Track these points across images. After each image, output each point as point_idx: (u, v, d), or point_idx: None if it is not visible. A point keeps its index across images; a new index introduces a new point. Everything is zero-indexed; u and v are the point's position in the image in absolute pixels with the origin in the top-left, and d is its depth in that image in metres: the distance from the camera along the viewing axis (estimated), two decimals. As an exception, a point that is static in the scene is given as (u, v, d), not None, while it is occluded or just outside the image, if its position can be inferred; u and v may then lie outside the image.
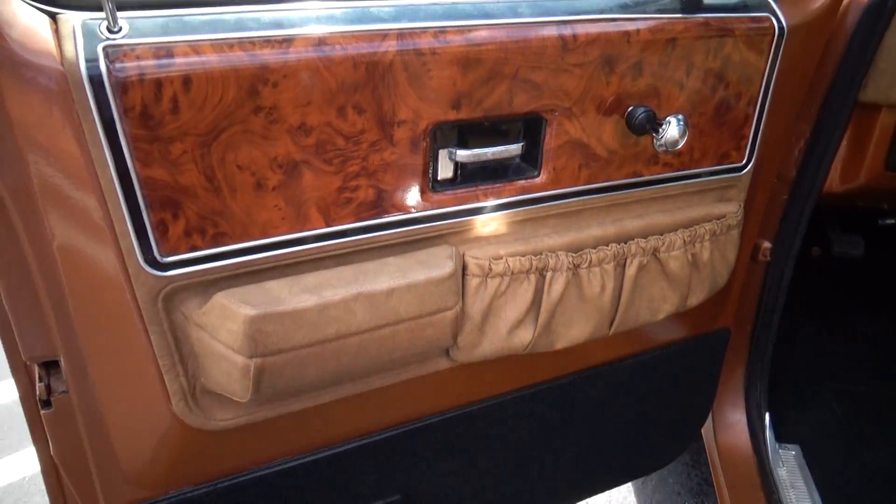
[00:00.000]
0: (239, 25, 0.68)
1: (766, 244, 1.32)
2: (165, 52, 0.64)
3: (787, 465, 1.42)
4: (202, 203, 0.71)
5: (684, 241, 1.04)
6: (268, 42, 0.68)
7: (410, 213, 0.84)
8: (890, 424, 1.52)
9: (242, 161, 0.71)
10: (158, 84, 0.64)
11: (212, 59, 0.66)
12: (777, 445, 1.45)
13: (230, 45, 0.67)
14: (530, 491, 1.26)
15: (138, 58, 0.63)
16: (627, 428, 1.34)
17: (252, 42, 0.67)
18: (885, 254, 1.70)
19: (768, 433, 1.44)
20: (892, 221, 1.46)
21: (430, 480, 1.12)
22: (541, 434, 1.22)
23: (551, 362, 1.13)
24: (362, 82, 0.73)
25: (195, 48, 0.65)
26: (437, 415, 1.07)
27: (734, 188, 1.10)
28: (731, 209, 1.09)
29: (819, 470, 1.41)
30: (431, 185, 0.84)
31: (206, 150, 0.69)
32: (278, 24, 0.69)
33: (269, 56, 0.68)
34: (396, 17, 0.74)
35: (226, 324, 0.74)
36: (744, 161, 1.07)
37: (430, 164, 0.83)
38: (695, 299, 1.13)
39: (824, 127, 1.18)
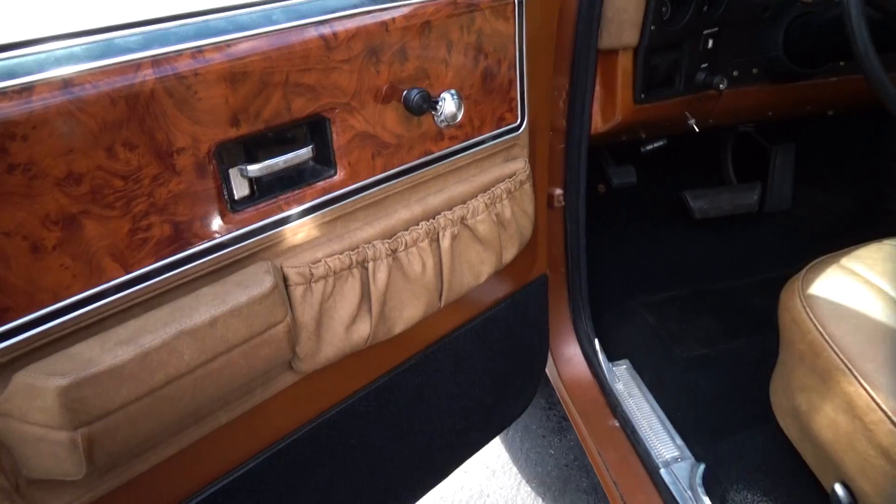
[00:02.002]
0: None
1: (559, 191, 1.45)
2: None
3: (622, 379, 1.58)
4: None
5: (486, 204, 1.11)
6: (4, 94, 0.62)
7: (215, 238, 0.81)
8: (689, 320, 1.74)
9: (7, 226, 0.65)
10: None
11: None
12: (610, 365, 1.60)
13: (-40, 104, 0.60)
14: (405, 477, 1.29)
15: None
16: (478, 390, 1.41)
17: None
18: (652, 175, 1.94)
19: (601, 357, 1.60)
20: (650, 147, 1.67)
21: (303, 500, 1.11)
22: (401, 421, 1.25)
23: (394, 350, 1.16)
24: (125, 118, 0.69)
25: None
26: (295, 431, 1.05)
27: (516, 146, 1.19)
28: (519, 166, 1.19)
29: (647, 374, 1.58)
30: (230, 205, 0.82)
31: None
32: (10, 73, 0.63)
33: (8, 109, 0.62)
34: (146, 45, 0.71)
35: (35, 403, 0.67)
36: (518, 121, 1.16)
37: (223, 185, 0.81)
38: (509, 255, 1.22)
39: (578, 77, 1.32)
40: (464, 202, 1.09)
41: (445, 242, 1.07)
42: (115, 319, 0.76)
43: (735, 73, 1.48)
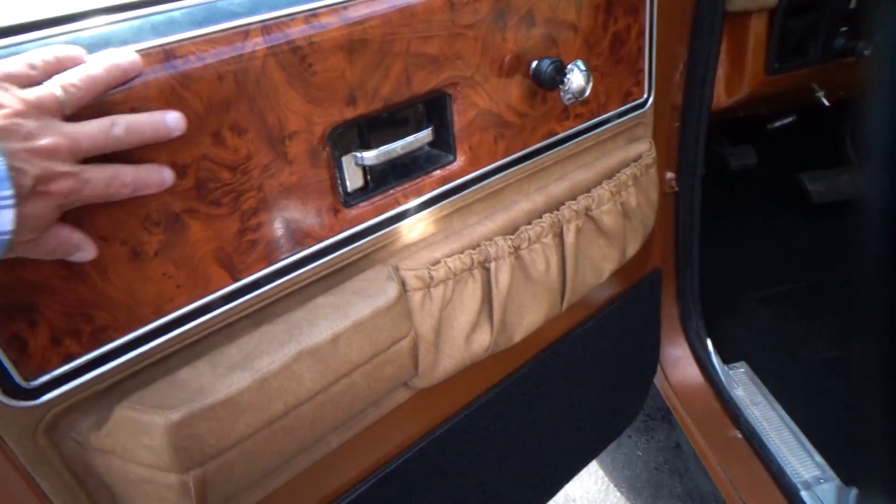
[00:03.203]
0: None
1: (670, 175, 1.30)
2: None
3: (742, 384, 1.42)
4: (66, 297, 0.53)
5: (611, 192, 0.98)
6: None
7: (329, 238, 0.70)
8: (815, 316, 1.56)
9: (106, 230, 0.54)
10: None
11: None
12: (726, 368, 1.44)
13: (47, 83, 0.49)
14: (515, 496, 1.17)
15: None
16: (589, 398, 1.28)
17: None
18: (763, 156, 1.76)
19: (714, 359, 1.44)
20: (780, 124, 1.49)
21: None
22: (511, 435, 1.12)
23: (504, 359, 1.04)
24: (233, 96, 0.58)
25: None
26: (405, 451, 0.94)
27: (641, 125, 1.05)
28: (644, 147, 1.04)
29: (770, 379, 1.42)
30: (343, 199, 0.71)
31: None
32: (104, 44, 0.53)
33: None
34: (254, 8, 0.60)
35: (141, 440, 0.56)
36: (645, 96, 1.02)
37: (337, 175, 0.69)
38: (632, 249, 1.08)
39: (700, 46, 1.15)
40: (587, 190, 0.96)
41: (570, 237, 0.94)
42: (222, 335, 0.65)
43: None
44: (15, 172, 0.43)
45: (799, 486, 1.18)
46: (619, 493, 1.78)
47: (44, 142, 0.45)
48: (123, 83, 0.52)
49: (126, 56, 0.51)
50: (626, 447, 1.90)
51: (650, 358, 1.41)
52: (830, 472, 1.20)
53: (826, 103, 1.37)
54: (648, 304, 1.33)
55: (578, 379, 1.22)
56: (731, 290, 1.65)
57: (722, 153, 1.53)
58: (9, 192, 0.42)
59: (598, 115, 0.95)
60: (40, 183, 0.45)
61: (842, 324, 1.53)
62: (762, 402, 1.37)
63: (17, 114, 0.44)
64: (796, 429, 1.30)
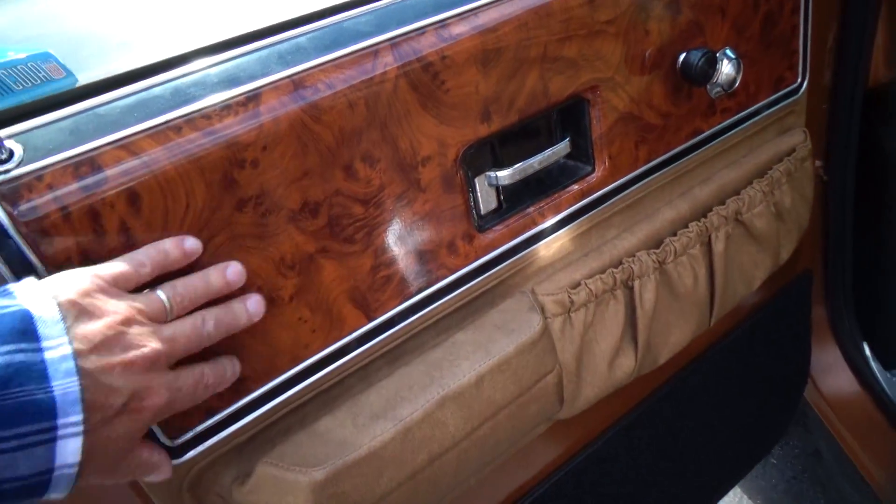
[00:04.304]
0: (178, 97, 0.48)
1: (818, 163, 1.16)
2: (88, 165, 0.44)
3: (908, 393, 1.26)
4: (204, 351, 0.50)
5: (763, 192, 0.87)
6: (227, 108, 0.47)
7: (464, 266, 0.64)
8: None
9: None
10: (93, 214, 0.43)
11: (158, 156, 0.45)
12: (889, 375, 1.28)
13: (177, 128, 0.46)
14: None
15: (50, 186, 0.43)
16: (733, 417, 1.17)
17: (206, 115, 0.47)
18: None
19: (873, 364, 1.28)
20: None
21: None
22: (652, 461, 1.03)
23: (647, 376, 0.95)
24: (365, 124, 0.53)
25: (129, 147, 0.45)
26: (541, 484, 0.87)
27: (793, 114, 0.93)
28: (798, 139, 0.92)
29: None
30: (477, 224, 0.65)
31: None
32: (233, 80, 0.49)
33: (235, 127, 0.47)
34: (381, 25, 0.54)
35: (285, 499, 0.53)
36: (798, 80, 0.90)
37: (471, 198, 0.63)
38: (786, 253, 0.96)
39: (854, 13, 1.01)
40: (736, 191, 0.85)
41: (719, 246, 0.84)
42: (357, 377, 0.61)
43: None
44: (103, 392, 0.38)
45: None
46: (754, 506, 1.66)
47: (147, 350, 0.41)
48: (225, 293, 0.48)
49: (231, 270, 0.48)
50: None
51: (800, 368, 1.27)
52: None
53: None
54: (798, 309, 1.20)
55: (722, 395, 1.11)
56: (889, 288, 1.47)
57: (878, 133, 1.35)
58: (78, 418, 0.37)
59: (748, 107, 0.84)
60: (134, 399, 0.40)
61: None
62: None
63: (125, 321, 0.40)
64: None
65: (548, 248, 0.72)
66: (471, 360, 0.61)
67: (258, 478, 0.53)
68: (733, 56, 0.75)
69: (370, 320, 0.59)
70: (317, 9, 0.55)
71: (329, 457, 0.53)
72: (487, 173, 0.65)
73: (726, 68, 0.75)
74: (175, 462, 0.51)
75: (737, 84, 0.76)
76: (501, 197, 0.68)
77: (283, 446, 0.54)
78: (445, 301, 0.64)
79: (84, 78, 0.49)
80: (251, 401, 0.54)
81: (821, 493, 1.66)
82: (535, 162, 0.66)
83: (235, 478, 0.56)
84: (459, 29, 0.57)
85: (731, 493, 1.71)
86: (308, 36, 0.53)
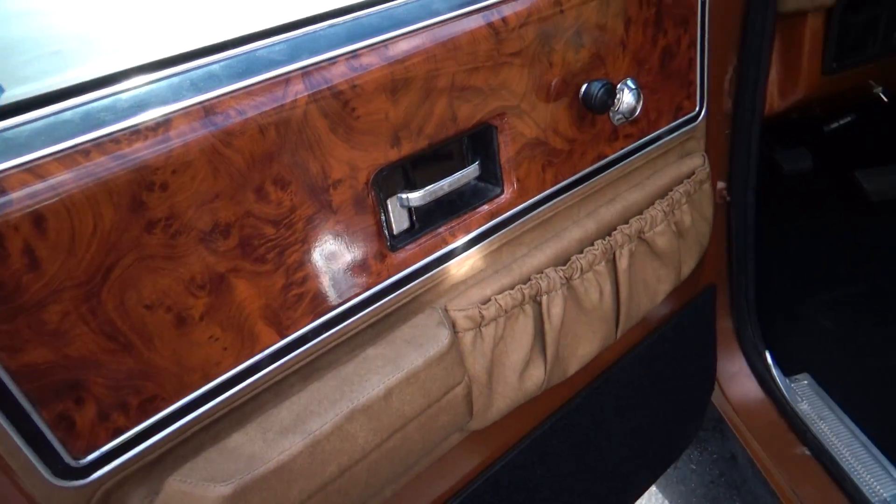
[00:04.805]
0: (88, 121, 0.49)
1: (721, 184, 1.24)
2: None
3: (807, 398, 1.35)
4: (112, 370, 0.51)
5: (664, 212, 0.93)
6: (137, 133, 0.49)
7: (376, 285, 0.67)
8: (878, 322, 1.49)
9: (149, 298, 0.52)
10: None
11: (65, 180, 0.46)
12: (788, 381, 1.38)
13: (85, 151, 0.47)
14: None
15: None
16: (645, 423, 1.23)
17: (115, 140, 0.48)
18: (828, 157, 1.68)
19: (774, 371, 1.37)
20: (838, 124, 1.42)
21: None
22: (567, 468, 1.08)
23: (556, 390, 1.00)
24: (276, 149, 0.55)
25: (35, 170, 0.46)
26: (457, 495, 0.90)
27: (693, 139, 1.00)
28: (697, 162, 0.99)
29: (836, 391, 1.34)
30: (390, 243, 0.68)
31: (97, 301, 0.49)
32: (143, 105, 0.50)
33: (144, 151, 0.49)
34: (293, 55, 0.57)
35: None
36: (697, 109, 0.97)
37: (383, 219, 0.66)
38: (687, 268, 1.02)
39: (751, 50, 1.09)
40: (639, 211, 0.91)
41: (623, 262, 0.89)
42: (271, 393, 0.62)
43: None
44: None
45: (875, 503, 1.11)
46: (675, 512, 1.72)
47: None
48: None
49: None
50: (680, 462, 1.84)
51: (707, 375, 1.35)
52: None
53: (885, 99, 1.30)
54: (702, 321, 1.27)
55: (633, 403, 1.17)
56: (789, 298, 1.58)
57: (774, 158, 1.46)
58: None
59: (649, 133, 0.90)
60: None
61: None
62: (830, 416, 1.30)
63: None
64: (869, 443, 1.23)
65: (459, 266, 0.75)
66: (380, 373, 0.63)
67: (166, 495, 0.54)
68: (634, 86, 0.81)
69: (283, 338, 0.61)
70: (231, 37, 0.56)
71: (238, 472, 0.54)
72: (399, 195, 0.68)
73: (627, 97, 0.80)
74: (80, 483, 0.52)
75: (637, 112, 0.82)
76: (414, 217, 0.71)
77: (193, 462, 0.56)
78: (358, 318, 0.66)
79: (12, 86, 0.50)
80: (160, 419, 0.55)
81: (736, 496, 1.75)
82: (446, 184, 0.70)
83: (145, 497, 0.56)
84: (369, 59, 0.59)
85: (652, 499, 1.78)
86: (221, 63, 0.54)
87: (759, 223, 1.30)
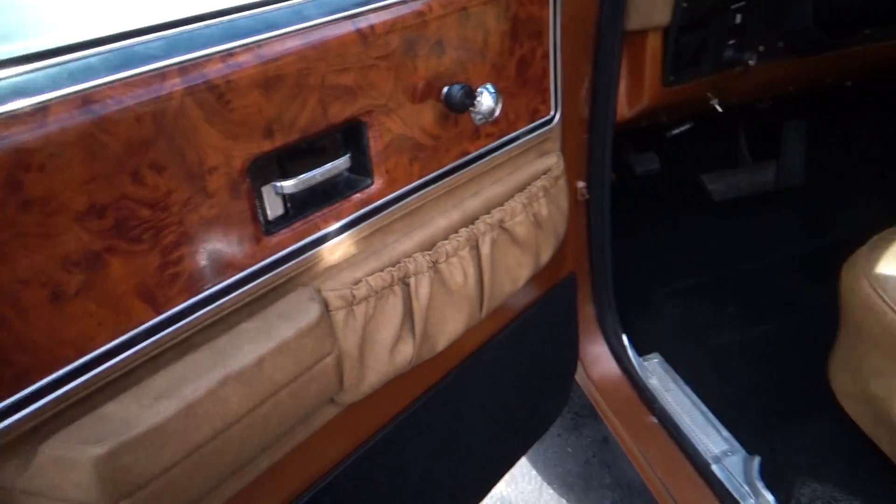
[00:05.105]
0: None
1: (581, 184, 1.37)
2: None
3: (656, 374, 1.52)
4: None
5: (523, 204, 1.03)
6: (13, 118, 0.52)
7: (251, 266, 0.72)
8: (717, 306, 1.68)
9: (24, 273, 0.55)
10: None
11: None
12: (641, 360, 1.54)
13: (-41, 134, 0.50)
14: (451, 497, 1.21)
15: None
16: (514, 399, 1.34)
17: None
18: (665, 161, 1.87)
19: (630, 352, 1.53)
20: (678, 131, 1.60)
21: None
22: (441, 442, 1.17)
23: (430, 368, 1.08)
24: (152, 136, 0.60)
25: None
26: (336, 467, 0.97)
27: (549, 140, 1.11)
28: (553, 161, 1.11)
29: (681, 367, 1.52)
30: (265, 228, 0.73)
31: None
32: (21, 92, 0.53)
33: (21, 135, 0.52)
34: (170, 51, 0.61)
35: (69, 477, 0.58)
36: (551, 113, 1.08)
37: (258, 205, 0.72)
38: (545, 256, 1.14)
39: (603, 62, 1.23)
40: (500, 203, 1.01)
41: (485, 249, 0.99)
42: (148, 368, 0.66)
43: (761, 49, 1.41)
44: None
45: (710, 460, 1.28)
46: (552, 491, 1.85)
47: None
48: None
49: None
50: (557, 445, 1.97)
51: (570, 357, 1.48)
52: (737, 445, 1.30)
53: (720, 109, 1.48)
54: (565, 306, 1.40)
55: (502, 383, 1.28)
56: (645, 288, 1.75)
57: (628, 160, 1.62)
58: None
59: (508, 133, 1.00)
60: None
61: (744, 310, 1.65)
62: (674, 388, 1.47)
63: None
64: (706, 409, 1.40)
65: (332, 251, 0.82)
66: (253, 343, 0.69)
67: (41, 460, 0.57)
68: (492, 91, 0.90)
69: (158, 314, 0.65)
70: (110, 33, 0.60)
71: (112, 435, 0.59)
72: (274, 183, 0.73)
73: (486, 100, 0.90)
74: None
75: (497, 114, 0.91)
76: (288, 204, 0.77)
77: (68, 430, 0.59)
78: (233, 297, 0.71)
79: None
80: (34, 391, 0.58)
81: (607, 473, 1.91)
82: (318, 174, 0.76)
83: (19, 466, 0.59)
84: (244, 58, 0.65)
85: (531, 482, 1.90)
86: (99, 57, 0.58)
87: (617, 220, 1.44)
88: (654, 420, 1.42)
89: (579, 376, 1.57)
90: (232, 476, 0.76)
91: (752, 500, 1.19)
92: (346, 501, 1.00)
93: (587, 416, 2.02)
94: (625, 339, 1.54)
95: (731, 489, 1.21)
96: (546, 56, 1.02)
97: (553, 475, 1.89)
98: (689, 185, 1.90)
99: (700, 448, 1.31)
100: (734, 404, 1.40)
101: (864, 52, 1.51)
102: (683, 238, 1.87)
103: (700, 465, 1.28)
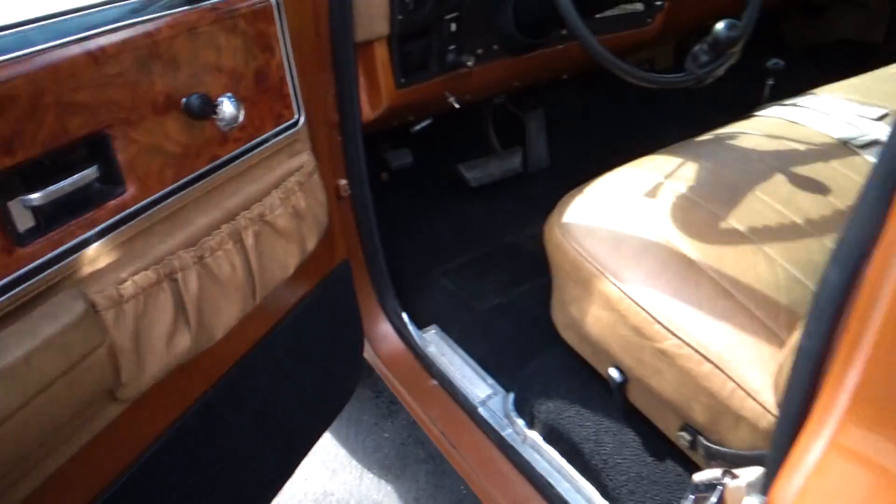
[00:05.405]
0: None
1: (343, 182, 1.53)
2: None
3: (434, 342, 1.72)
4: None
5: (281, 199, 1.16)
6: None
7: (5, 278, 0.77)
8: (482, 277, 1.93)
9: None
10: None
11: None
12: (420, 333, 1.73)
13: None
14: (248, 491, 1.30)
15: None
16: (304, 384, 1.45)
17: None
18: (430, 154, 2.11)
19: (410, 327, 1.72)
20: (419, 127, 1.83)
21: None
22: (235, 432, 1.25)
23: (214, 361, 1.16)
24: None
25: None
26: (126, 469, 1.02)
27: (298, 141, 1.25)
28: (305, 159, 1.25)
29: (454, 333, 1.74)
30: (16, 239, 0.78)
31: None
32: None
33: None
34: None
35: None
36: (295, 117, 1.22)
37: (4, 219, 0.77)
38: (311, 244, 1.27)
39: (342, 71, 1.40)
40: (260, 200, 1.13)
41: (249, 240, 1.10)
42: None
43: (479, 52, 1.67)
44: None
45: (477, 404, 1.50)
46: (371, 475, 1.98)
47: None
48: None
49: None
50: (375, 433, 2.10)
51: (356, 337, 1.63)
52: (499, 388, 1.54)
53: (457, 106, 1.73)
54: (343, 290, 1.55)
55: (291, 367, 1.39)
56: (421, 270, 1.96)
57: (385, 157, 1.82)
58: None
59: (256, 137, 1.12)
60: None
61: (506, 277, 1.91)
62: (449, 352, 1.68)
63: None
64: (475, 364, 1.63)
65: (94, 256, 0.88)
66: (18, 344, 0.74)
67: None
68: (233, 100, 1.02)
69: None
70: None
71: None
72: (21, 197, 0.79)
73: (228, 108, 1.01)
74: None
75: (240, 120, 1.03)
76: (41, 216, 0.82)
77: None
78: None
79: None
80: None
81: (421, 449, 2.06)
82: (66, 185, 0.83)
83: None
84: None
85: (352, 471, 2.00)
86: None
87: (393, 211, 1.62)
88: (435, 382, 1.62)
89: (368, 354, 1.73)
90: (16, 479, 0.80)
91: (509, 429, 1.43)
92: (145, 500, 1.05)
93: (400, 404, 2.19)
94: (405, 316, 1.73)
95: (493, 424, 1.45)
96: (281, 67, 1.15)
97: (372, 461, 2.02)
98: (451, 175, 2.15)
99: (470, 396, 1.53)
100: (497, 355, 1.64)
101: (564, 50, 1.84)
102: (451, 222, 2.11)
103: (469, 410, 1.50)
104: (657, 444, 1.22)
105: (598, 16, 1.77)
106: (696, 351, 1.00)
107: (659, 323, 1.04)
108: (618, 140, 2.06)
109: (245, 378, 1.25)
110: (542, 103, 2.33)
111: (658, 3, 1.85)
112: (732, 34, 1.13)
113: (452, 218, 2.12)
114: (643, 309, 1.07)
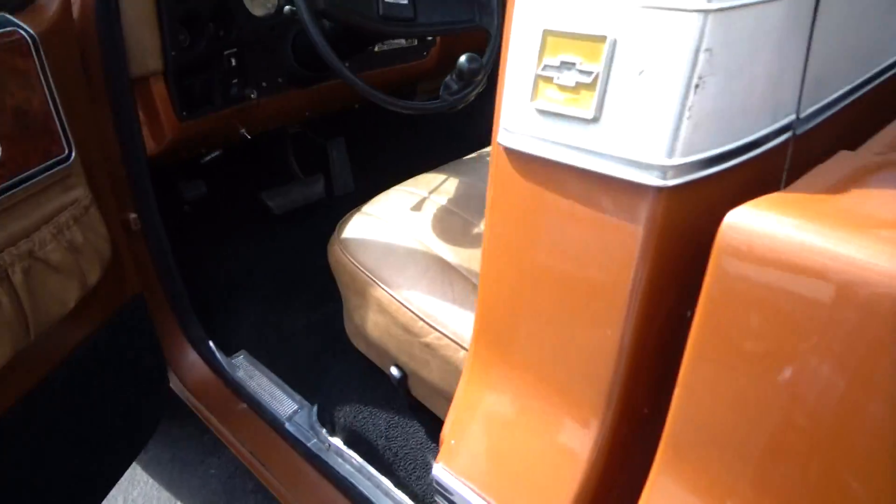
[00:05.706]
0: None
1: (133, 215, 1.54)
2: None
3: (242, 367, 1.75)
4: None
5: (52, 234, 1.16)
6: None
7: None
8: (291, 299, 1.99)
9: None
10: None
11: None
12: (229, 359, 1.76)
13: None
14: None
15: None
16: (101, 420, 1.43)
17: None
18: (235, 184, 2.15)
19: (218, 355, 1.74)
20: (209, 158, 1.87)
21: None
22: (23, 474, 1.21)
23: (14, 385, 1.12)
24: None
25: None
26: None
27: (72, 176, 1.25)
28: (80, 193, 1.25)
29: (263, 356, 1.78)
30: None
31: None
32: None
33: None
34: None
35: None
36: (66, 151, 1.22)
37: None
38: (93, 277, 1.27)
39: (119, 107, 1.43)
40: (28, 236, 1.12)
41: (17, 278, 1.09)
42: None
43: (264, 84, 1.75)
44: None
45: (284, 420, 1.56)
46: (198, 515, 1.92)
47: None
48: None
49: None
50: (200, 471, 2.05)
51: (157, 369, 1.63)
52: (305, 403, 1.61)
53: (248, 136, 1.79)
54: (138, 323, 1.55)
55: (86, 404, 1.36)
56: (228, 296, 1.98)
57: (179, 188, 1.84)
58: None
59: (20, 174, 1.12)
60: None
61: (313, 297, 1.98)
62: (257, 375, 1.72)
63: None
64: (282, 383, 1.68)
65: None
66: None
67: None
68: None
69: None
70: None
71: None
72: None
73: None
74: None
75: None
76: None
77: None
78: None
79: None
80: None
81: (249, 479, 2.05)
82: None
83: None
84: None
85: None
86: None
87: (198, 241, 1.63)
88: (244, 405, 1.66)
89: (175, 385, 1.72)
90: None
91: (315, 439, 1.51)
92: None
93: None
94: (211, 344, 1.74)
95: (299, 437, 1.52)
96: (45, 102, 1.16)
97: (197, 499, 1.97)
98: (257, 203, 2.19)
99: (278, 414, 1.59)
100: (304, 372, 1.71)
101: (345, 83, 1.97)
102: (258, 250, 2.15)
103: (277, 427, 1.55)
104: (439, 431, 1.35)
105: (377, 50, 1.93)
106: (453, 341, 1.15)
107: (422, 320, 1.18)
108: (416, 161, 2.22)
109: (30, 420, 1.21)
110: (342, 131, 2.44)
111: (429, 38, 2.04)
112: (473, 66, 1.31)
113: (259, 245, 2.17)
114: (409, 309, 1.20)
